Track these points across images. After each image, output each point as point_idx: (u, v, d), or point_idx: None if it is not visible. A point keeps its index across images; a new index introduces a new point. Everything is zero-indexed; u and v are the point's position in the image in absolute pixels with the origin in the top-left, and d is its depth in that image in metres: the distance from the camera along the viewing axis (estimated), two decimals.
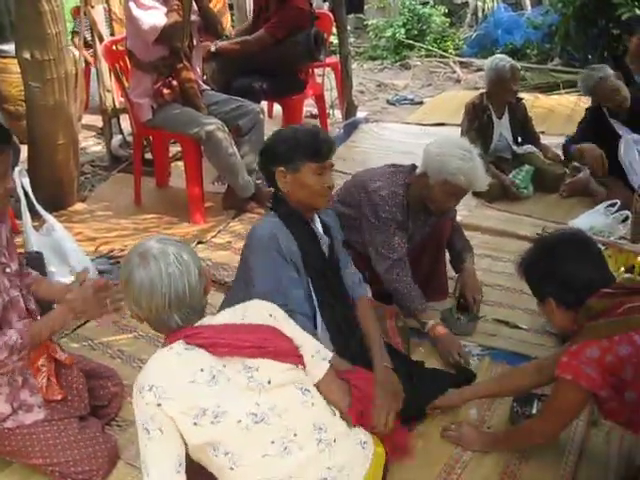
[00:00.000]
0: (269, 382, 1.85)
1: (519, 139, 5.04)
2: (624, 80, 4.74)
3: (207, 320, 1.92)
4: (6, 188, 2.21)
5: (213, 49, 4.85)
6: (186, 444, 1.80)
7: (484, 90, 4.98)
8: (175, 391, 1.75)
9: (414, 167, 3.19)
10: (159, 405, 1.73)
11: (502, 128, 4.92)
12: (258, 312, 1.97)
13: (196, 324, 1.87)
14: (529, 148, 5.07)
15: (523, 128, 5.05)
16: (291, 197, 2.54)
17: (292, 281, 2.47)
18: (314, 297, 2.56)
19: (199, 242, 4.17)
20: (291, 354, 1.92)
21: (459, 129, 4.90)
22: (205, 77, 4.80)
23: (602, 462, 2.41)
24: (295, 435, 1.84)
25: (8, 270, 2.27)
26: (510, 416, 2.65)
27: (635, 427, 2.19)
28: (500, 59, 4.85)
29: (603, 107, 4.60)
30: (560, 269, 2.19)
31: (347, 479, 1.93)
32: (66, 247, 3.59)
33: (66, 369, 2.47)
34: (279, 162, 2.50)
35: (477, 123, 4.76)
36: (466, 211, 4.47)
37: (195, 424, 1.75)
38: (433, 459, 2.47)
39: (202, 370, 1.78)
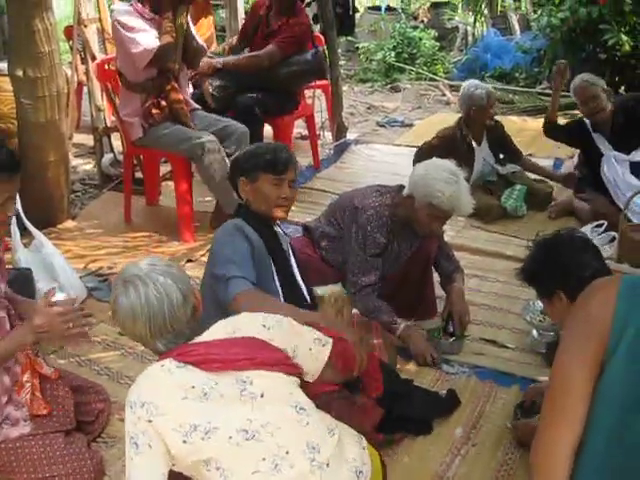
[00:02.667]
0: (262, 395, 1.82)
1: (501, 157, 5.07)
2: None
3: (198, 338, 1.92)
4: (7, 215, 2.27)
5: (219, 65, 4.86)
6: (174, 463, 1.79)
7: (459, 118, 4.98)
8: (167, 408, 1.74)
9: (401, 187, 3.23)
10: (150, 422, 1.73)
11: (483, 153, 4.94)
12: (250, 324, 1.97)
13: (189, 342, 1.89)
14: (512, 167, 5.09)
15: (503, 147, 5.07)
16: (252, 206, 2.70)
17: (247, 256, 2.54)
18: (277, 283, 2.67)
19: (189, 260, 4.18)
20: (282, 363, 1.90)
21: None
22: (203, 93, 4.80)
23: None
24: (287, 453, 1.79)
25: None
26: (512, 420, 2.71)
27: None
28: (475, 87, 4.85)
29: (586, 120, 4.66)
30: (566, 260, 2.28)
31: None
32: (55, 264, 3.59)
33: (51, 384, 2.47)
34: (241, 173, 2.70)
35: (455, 155, 4.76)
36: (453, 232, 4.51)
37: (185, 442, 1.73)
38: (417, 475, 2.48)
39: (193, 387, 1.77)
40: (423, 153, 4.62)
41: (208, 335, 1.93)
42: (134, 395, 1.78)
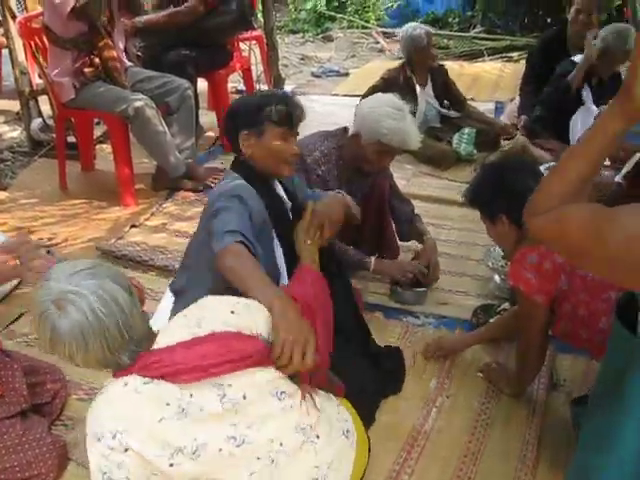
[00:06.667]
0: (244, 397, 1.66)
1: (445, 103, 5.03)
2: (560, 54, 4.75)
3: (160, 338, 1.69)
4: None
5: (140, 25, 4.61)
6: None
7: (402, 61, 4.95)
8: (143, 434, 1.55)
9: (345, 129, 3.16)
10: (127, 450, 1.53)
11: (427, 96, 4.90)
12: (216, 311, 1.76)
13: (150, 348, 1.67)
14: (454, 114, 5.07)
15: (447, 92, 5.03)
16: (255, 161, 2.42)
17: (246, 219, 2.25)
18: (280, 252, 2.44)
19: (132, 226, 3.99)
20: (257, 352, 1.70)
21: None
22: (128, 54, 4.56)
23: (564, 423, 2.38)
24: (281, 445, 1.71)
25: None
26: (471, 319, 2.99)
27: (578, 342, 2.27)
28: (413, 27, 4.85)
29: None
30: (508, 182, 2.30)
31: (336, 473, 1.83)
32: None
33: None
34: (244, 125, 2.39)
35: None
36: (404, 180, 4.43)
37: (172, 465, 1.56)
38: (395, 432, 2.41)
39: (168, 404, 1.58)
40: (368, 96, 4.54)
41: (170, 334, 1.70)
42: (97, 425, 1.56)
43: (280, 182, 2.58)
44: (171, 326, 1.73)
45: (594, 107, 4.46)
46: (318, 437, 1.79)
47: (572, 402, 2.40)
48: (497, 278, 3.24)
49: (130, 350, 1.61)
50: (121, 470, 1.53)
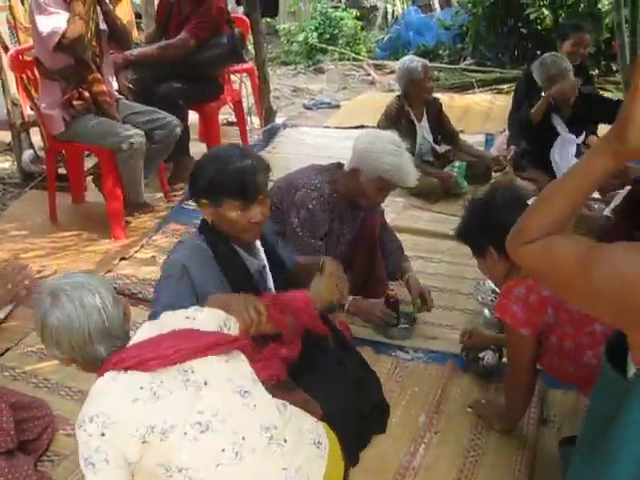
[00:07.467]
0: (205, 383, 1.80)
1: (439, 138, 5.06)
2: None
3: (130, 342, 1.88)
4: None
5: (132, 57, 4.65)
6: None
7: (399, 94, 4.98)
8: (119, 414, 1.68)
9: (340, 165, 3.18)
10: (103, 435, 1.66)
11: (424, 130, 4.93)
12: (174, 319, 1.95)
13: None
14: (445, 148, 5.09)
15: (440, 126, 5.06)
16: (217, 226, 2.40)
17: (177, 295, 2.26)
18: None
19: (122, 258, 3.98)
20: (216, 344, 1.87)
21: None
22: (119, 87, 4.60)
23: (555, 458, 2.35)
24: (244, 439, 1.78)
25: None
26: (460, 353, 2.96)
27: (565, 376, 2.28)
28: (410, 60, 4.88)
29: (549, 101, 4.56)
30: (495, 214, 2.30)
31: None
32: None
33: None
34: (202, 195, 2.36)
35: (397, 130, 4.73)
36: (394, 213, 4.44)
37: (144, 442, 1.68)
38: (381, 469, 2.38)
39: (142, 388, 1.72)
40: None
41: (138, 337, 1.89)
42: (81, 414, 1.71)
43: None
44: (137, 333, 1.91)
45: (570, 135, 4.49)
46: (286, 441, 1.87)
47: (560, 443, 2.37)
48: (487, 312, 3.24)
49: (108, 343, 1.81)
50: (99, 454, 1.66)
